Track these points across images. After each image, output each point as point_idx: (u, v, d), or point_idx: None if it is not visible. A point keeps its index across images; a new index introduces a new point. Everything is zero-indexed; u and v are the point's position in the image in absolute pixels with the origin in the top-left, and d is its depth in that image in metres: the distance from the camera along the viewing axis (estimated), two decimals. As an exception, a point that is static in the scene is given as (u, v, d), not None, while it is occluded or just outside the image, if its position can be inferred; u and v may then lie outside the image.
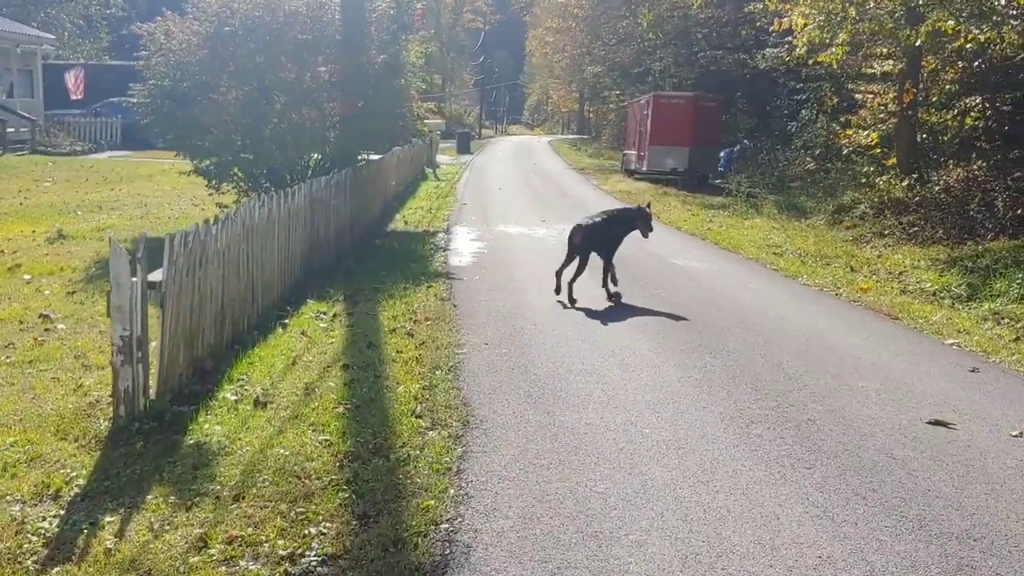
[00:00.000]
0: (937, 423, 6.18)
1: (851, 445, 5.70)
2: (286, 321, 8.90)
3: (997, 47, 14.39)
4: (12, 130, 31.64)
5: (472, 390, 6.71)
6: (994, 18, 14.00)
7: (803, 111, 30.11)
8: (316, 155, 16.04)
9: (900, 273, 13.28)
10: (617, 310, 10.04)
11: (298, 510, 4.68)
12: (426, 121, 26.35)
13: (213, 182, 15.19)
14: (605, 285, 10.65)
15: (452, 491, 4.91)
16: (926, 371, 7.73)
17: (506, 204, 23.03)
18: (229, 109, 14.27)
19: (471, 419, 6.06)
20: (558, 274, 10.52)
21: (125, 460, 5.28)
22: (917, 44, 16.96)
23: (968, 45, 14.87)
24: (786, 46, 30.86)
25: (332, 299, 10.14)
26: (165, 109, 14.34)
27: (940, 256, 14.19)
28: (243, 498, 4.82)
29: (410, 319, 9.13)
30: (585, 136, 74.21)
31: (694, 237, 17.75)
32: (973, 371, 7.74)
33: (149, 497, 4.83)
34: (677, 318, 9.57)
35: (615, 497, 4.85)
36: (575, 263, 10.50)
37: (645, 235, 11.01)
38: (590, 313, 9.79)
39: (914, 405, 6.64)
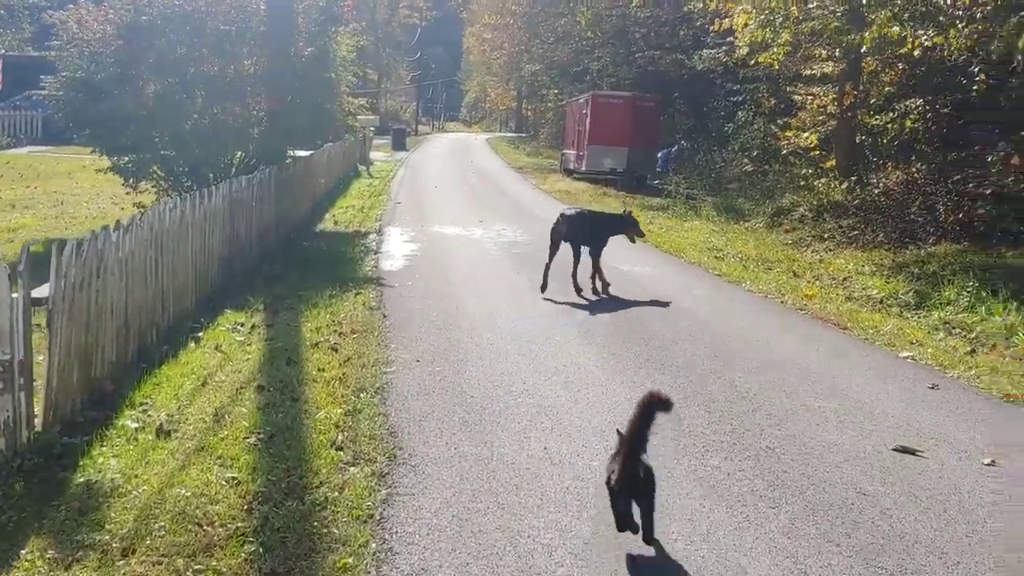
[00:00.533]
0: (904, 450, 5.73)
1: (816, 478, 5.21)
2: (200, 334, 8.18)
3: (944, 52, 14.12)
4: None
5: (400, 417, 6.06)
6: (940, 18, 13.77)
7: (740, 112, 30.03)
8: (240, 153, 15.26)
9: (844, 279, 12.97)
10: (559, 320, 9.49)
11: (196, 567, 4.04)
12: (359, 117, 25.57)
13: (131, 180, 14.32)
14: (574, 277, 10.92)
15: (374, 545, 4.27)
16: (884, 389, 7.31)
17: (442, 203, 22.39)
18: (147, 103, 13.43)
19: (398, 452, 5.41)
20: (547, 270, 10.87)
21: (0, 505, 4.58)
22: (863, 51, 16.80)
23: (915, 52, 14.59)
24: (725, 47, 30.88)
25: (252, 308, 9.43)
26: (78, 103, 13.47)
27: (884, 261, 13.94)
28: (134, 552, 4.17)
29: (335, 331, 8.46)
30: (523, 134, 73.83)
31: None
32: (933, 388, 7.34)
33: (24, 552, 4.16)
34: (623, 329, 9.06)
35: (562, 550, 4.26)
36: (562, 254, 10.95)
37: (633, 240, 11.74)
38: (531, 323, 9.22)
39: (876, 428, 6.20)
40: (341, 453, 5.38)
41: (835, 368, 7.94)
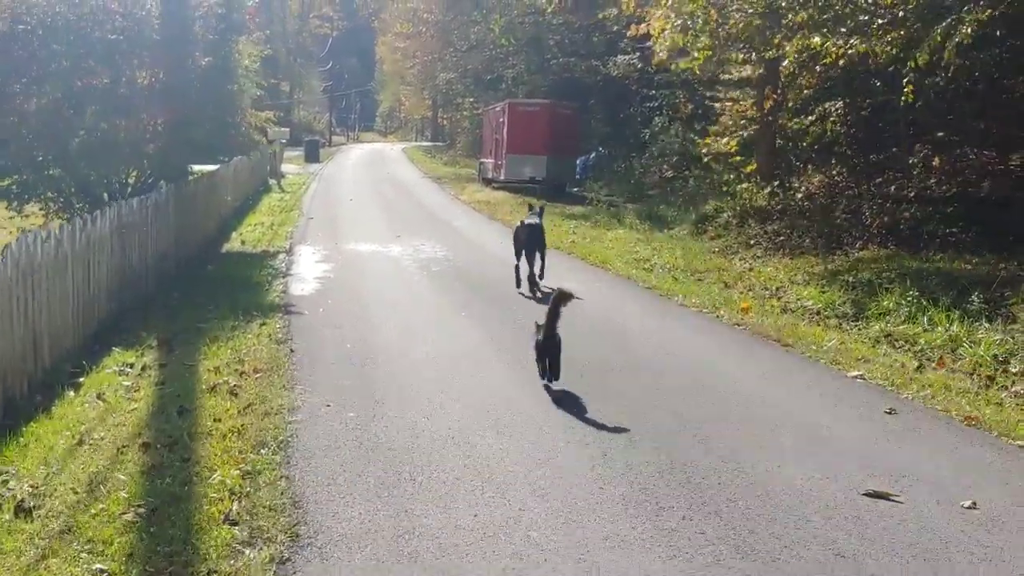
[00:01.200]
0: (876, 495, 5.11)
1: (787, 538, 4.54)
2: (81, 379, 7.24)
3: (869, 60, 13.82)
4: None
5: (306, 480, 5.19)
6: (861, 17, 13.43)
7: (656, 118, 29.77)
8: (136, 171, 14.18)
9: (777, 288, 12.52)
10: (484, 348, 8.71)
11: None
12: (269, 129, 24.54)
13: (14, 204, 13.13)
14: (540, 278, 11.69)
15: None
16: (839, 416, 6.74)
17: (357, 218, 21.47)
18: (29, 120, 12.28)
19: (302, 528, 4.55)
20: (518, 269, 11.60)
21: None
22: (784, 62, 16.54)
23: (840, 62, 14.27)
24: (638, 52, 30.60)
25: (143, 345, 8.48)
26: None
27: (815, 269, 13.54)
28: None
29: (236, 370, 7.57)
30: (439, 143, 73.07)
31: (559, 251, 16.67)
32: (891, 413, 6.79)
33: None
34: (514, 329, 8.33)
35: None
36: (525, 258, 11.58)
37: None
38: (455, 353, 8.43)
39: (841, 466, 5.59)
40: (235, 530, 4.53)
41: (784, 393, 7.36)
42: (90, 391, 6.93)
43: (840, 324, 10.43)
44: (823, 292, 11.77)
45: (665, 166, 27.20)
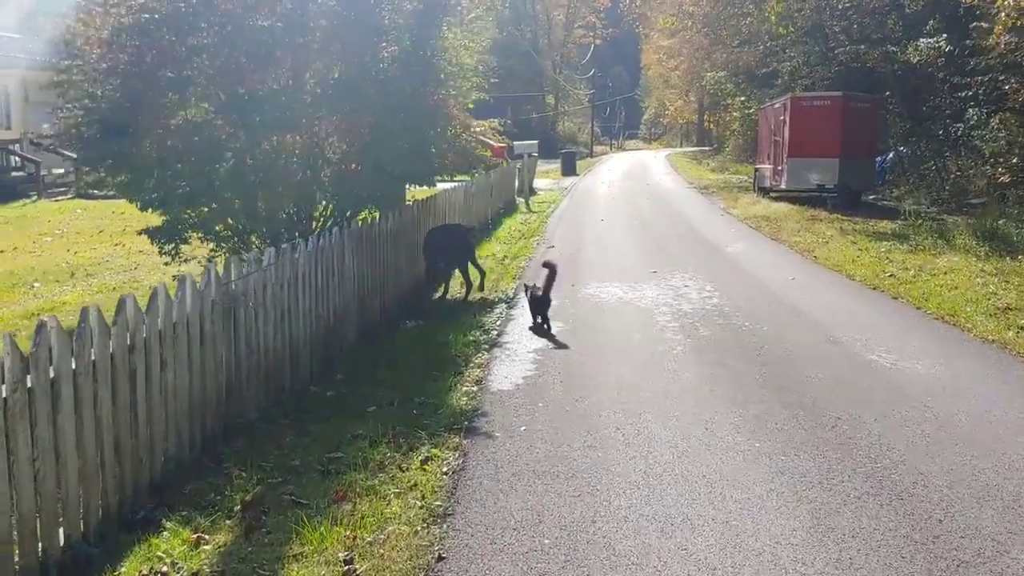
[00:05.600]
0: None
1: None
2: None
3: None
4: (60, 172, 28.33)
5: None
6: None
7: (971, 110, 24.01)
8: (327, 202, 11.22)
9: None
10: (809, 544, 4.62)
11: None
12: (515, 143, 21.41)
13: (169, 246, 10.46)
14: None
15: None
16: None
17: (606, 245, 17.71)
18: (170, 138, 9.47)
19: None
20: None
21: None
22: None
23: None
24: (945, 35, 24.84)
25: (220, 511, 5.08)
26: (91, 140, 9.71)
27: None
28: None
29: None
30: (706, 148, 68.93)
31: (877, 292, 12.14)
32: None
33: None
34: (913, 541, 4.12)
35: None
36: None
37: None
38: (746, 565, 4.41)
39: None
40: None
41: None
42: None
43: None
44: None
45: (1000, 168, 21.41)
